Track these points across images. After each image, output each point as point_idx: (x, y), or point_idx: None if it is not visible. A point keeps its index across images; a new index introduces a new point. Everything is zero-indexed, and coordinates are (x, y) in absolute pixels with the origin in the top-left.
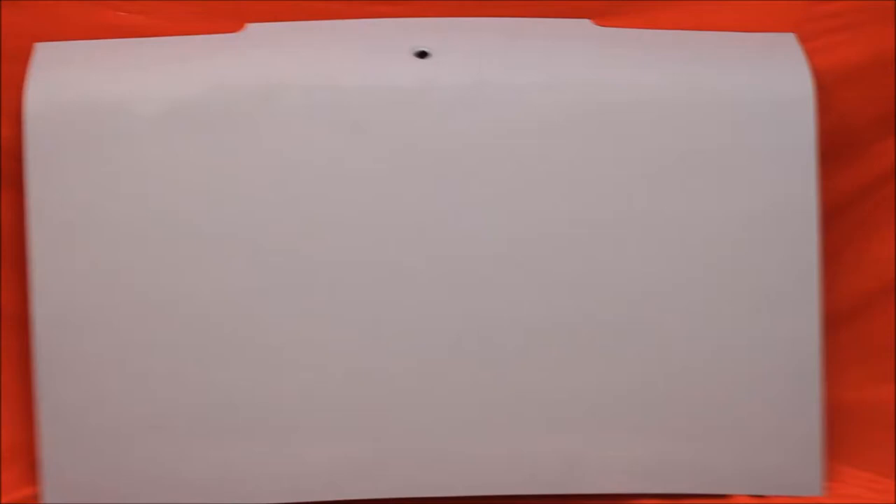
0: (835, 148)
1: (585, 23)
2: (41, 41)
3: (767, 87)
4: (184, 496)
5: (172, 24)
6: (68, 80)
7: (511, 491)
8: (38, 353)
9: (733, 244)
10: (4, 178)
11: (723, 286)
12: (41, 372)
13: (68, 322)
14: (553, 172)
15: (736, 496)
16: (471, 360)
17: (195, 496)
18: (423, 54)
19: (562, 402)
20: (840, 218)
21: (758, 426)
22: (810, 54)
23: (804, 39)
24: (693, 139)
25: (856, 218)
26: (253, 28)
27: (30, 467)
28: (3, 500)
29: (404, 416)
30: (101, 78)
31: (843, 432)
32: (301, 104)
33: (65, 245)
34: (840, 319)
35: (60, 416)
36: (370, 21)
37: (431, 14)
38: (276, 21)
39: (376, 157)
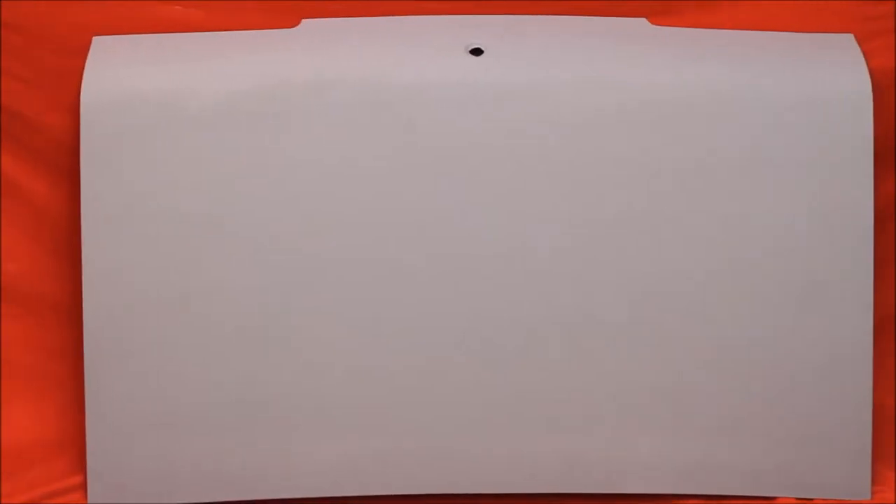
0: (884, 153)
1: (642, 22)
2: (99, 35)
3: (825, 87)
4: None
5: (229, 18)
6: (124, 74)
7: (539, 489)
8: (87, 344)
9: (788, 245)
10: (59, 171)
11: (775, 286)
12: (90, 364)
13: (118, 314)
14: (607, 171)
15: (781, 498)
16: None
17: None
18: (477, 51)
19: (603, 401)
20: (887, 224)
21: (806, 428)
22: (868, 55)
23: (862, 40)
24: (749, 139)
25: None
26: (308, 24)
27: (79, 456)
28: (51, 488)
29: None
30: (157, 72)
31: (883, 434)
32: (354, 100)
33: (117, 237)
34: (886, 323)
35: (107, 408)
36: (424, 18)
37: (487, 11)
38: (333, 17)
39: (429, 153)
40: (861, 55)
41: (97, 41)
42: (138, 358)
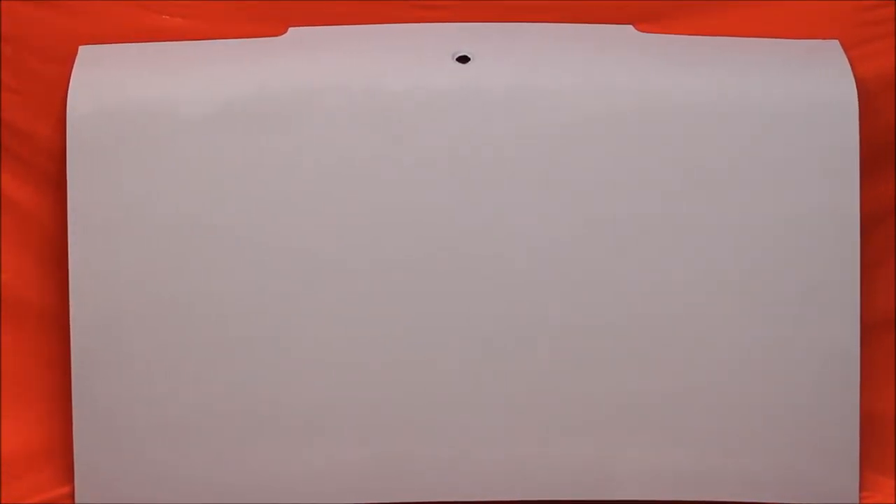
0: (878, 156)
1: (628, 29)
2: (85, 44)
3: (810, 94)
4: (210, 497)
5: (215, 27)
6: (111, 83)
7: (533, 496)
8: (75, 353)
9: (774, 251)
10: (46, 180)
11: (762, 293)
12: (78, 372)
13: (105, 323)
14: (592, 178)
15: None
16: (484, 364)
17: (220, 497)
18: (463, 59)
19: (589, 406)
20: (881, 227)
21: (794, 434)
22: (855, 61)
23: (849, 46)
24: (735, 146)
25: None
26: (295, 32)
27: (67, 466)
28: (39, 499)
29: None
30: (144, 80)
31: (873, 440)
32: (341, 108)
33: (104, 246)
34: (872, 329)
35: (94, 417)
36: (411, 26)
37: (473, 19)
38: (319, 25)
39: (417, 160)
40: (846, 62)
41: (84, 50)
42: (126, 366)
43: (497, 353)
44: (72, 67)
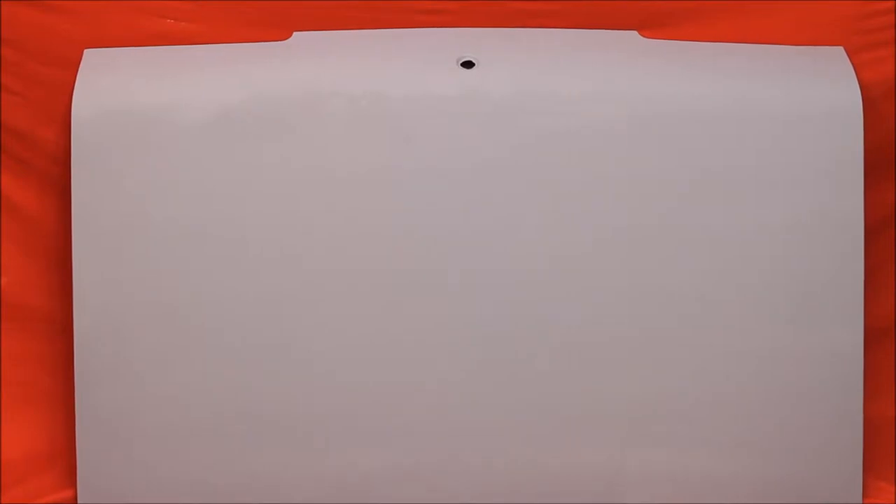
0: (879, 162)
1: (633, 35)
2: (90, 48)
3: (815, 100)
4: (212, 501)
5: (220, 32)
6: (116, 87)
7: (537, 500)
8: (78, 357)
9: (779, 257)
10: (48, 183)
11: (767, 297)
12: (80, 376)
13: (108, 327)
14: (597, 183)
15: None
16: (486, 370)
17: (223, 501)
18: (468, 64)
19: (593, 411)
20: (881, 232)
21: (798, 438)
22: (857, 68)
23: (851, 53)
24: (739, 152)
25: None
26: (300, 36)
27: (69, 470)
28: (42, 502)
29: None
30: (148, 85)
31: (873, 446)
32: (346, 113)
33: (108, 250)
34: (872, 334)
35: (97, 421)
36: (416, 30)
37: (478, 24)
38: (323, 29)
39: (421, 165)
40: (851, 68)
41: (88, 54)
42: (129, 371)
43: (503, 359)
44: (73, 71)
